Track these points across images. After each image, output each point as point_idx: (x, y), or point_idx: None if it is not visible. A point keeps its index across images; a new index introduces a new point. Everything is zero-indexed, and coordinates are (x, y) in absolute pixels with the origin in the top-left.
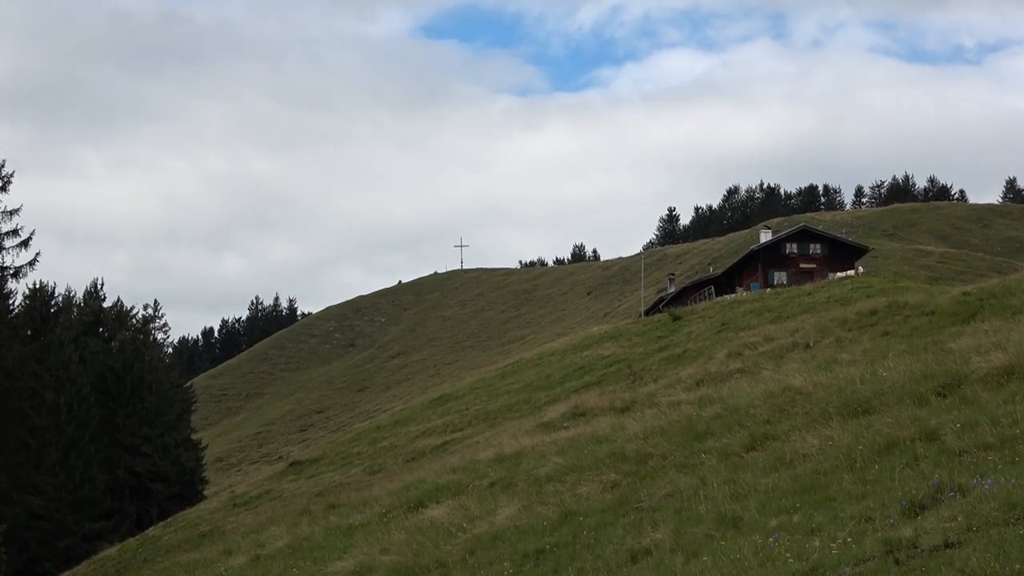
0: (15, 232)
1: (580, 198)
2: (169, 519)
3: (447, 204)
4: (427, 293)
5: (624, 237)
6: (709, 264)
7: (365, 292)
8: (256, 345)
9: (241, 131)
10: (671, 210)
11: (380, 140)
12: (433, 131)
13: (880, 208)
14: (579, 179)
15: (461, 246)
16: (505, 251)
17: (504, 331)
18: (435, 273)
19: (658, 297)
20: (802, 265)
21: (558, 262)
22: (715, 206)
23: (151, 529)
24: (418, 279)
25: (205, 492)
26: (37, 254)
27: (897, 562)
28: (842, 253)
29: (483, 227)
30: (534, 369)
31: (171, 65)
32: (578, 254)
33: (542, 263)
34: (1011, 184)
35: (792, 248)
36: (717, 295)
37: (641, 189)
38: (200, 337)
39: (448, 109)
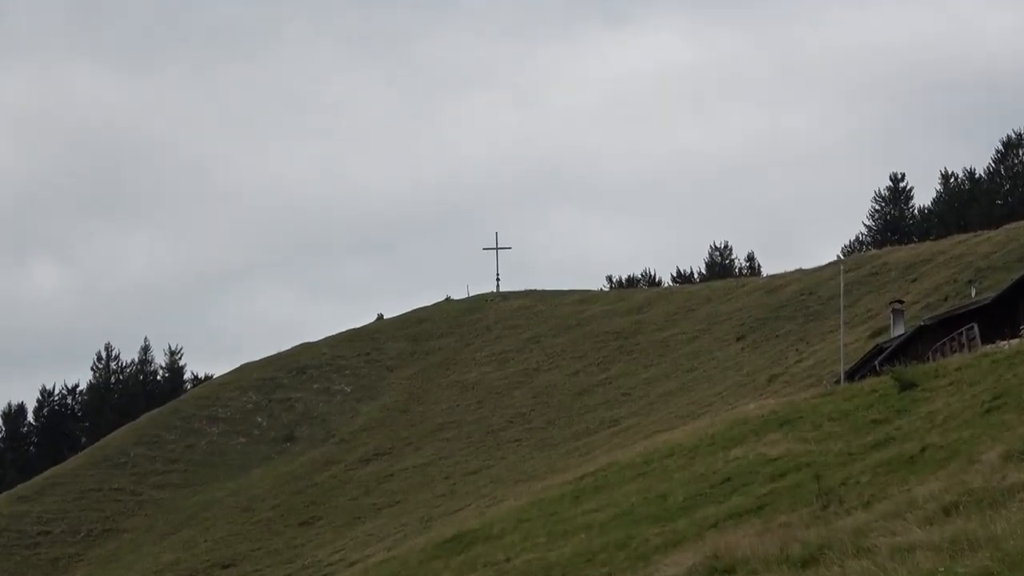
0: None
1: (713, 153)
2: None
3: (460, 167)
4: (431, 338)
5: (803, 232)
6: (970, 282)
7: (312, 336)
8: (107, 438)
9: (64, 29)
10: (896, 179)
11: (328, 45)
12: (428, 28)
13: None
14: (709, 117)
15: (496, 248)
16: (576, 257)
17: (579, 410)
18: (447, 300)
19: (872, 347)
20: None
21: (680, 278)
22: (980, 172)
23: None
24: (414, 312)
25: None
26: None
27: None
28: None
29: (532, 210)
30: (636, 483)
31: None
32: (718, 263)
33: (649, 280)
34: None
35: None
36: (984, 341)
37: (832, 136)
38: None
39: None
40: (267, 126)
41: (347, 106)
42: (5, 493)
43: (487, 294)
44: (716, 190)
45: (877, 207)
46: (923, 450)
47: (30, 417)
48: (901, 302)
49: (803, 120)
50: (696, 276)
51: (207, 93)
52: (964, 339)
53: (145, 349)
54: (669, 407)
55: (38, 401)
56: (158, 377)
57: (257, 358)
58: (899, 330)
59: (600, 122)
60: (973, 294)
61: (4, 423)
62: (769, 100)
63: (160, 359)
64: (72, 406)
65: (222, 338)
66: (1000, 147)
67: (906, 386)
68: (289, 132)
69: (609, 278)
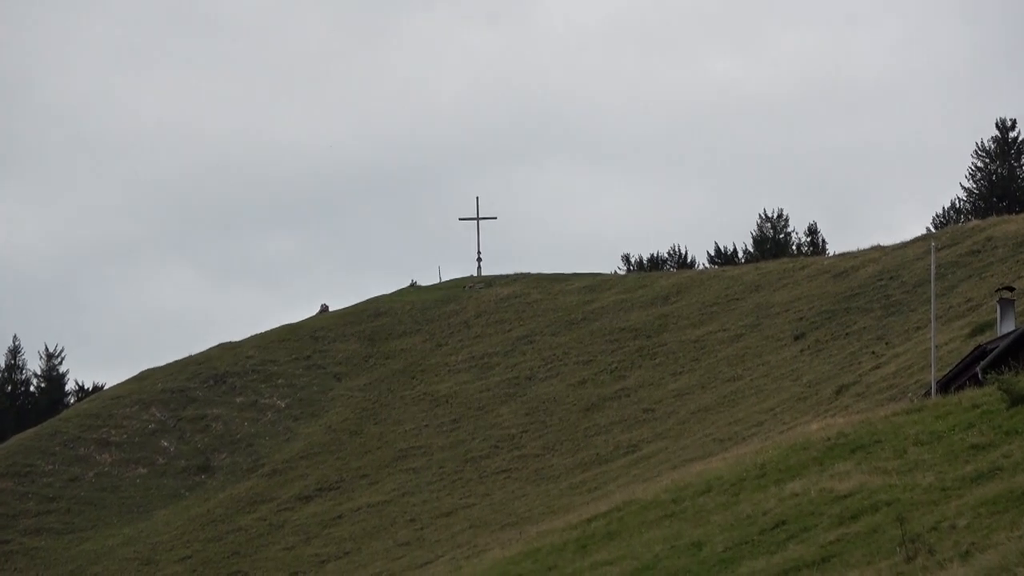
0: None
1: (758, 90)
2: None
3: (423, 110)
4: (391, 338)
5: (881, 196)
6: None
7: (234, 335)
8: None
9: None
10: (1004, 127)
11: None
12: None
13: None
14: (751, 43)
15: (476, 218)
16: (582, 230)
17: (587, 431)
18: (412, 288)
19: (973, 348)
20: None
21: (719, 258)
22: None
23: None
24: (368, 302)
25: None
26: None
27: None
28: None
29: (522, 168)
30: (661, 527)
31: None
32: (769, 238)
33: (679, 261)
34: None
35: None
36: None
37: (914, 68)
38: None
39: None
40: (158, 55)
41: (264, 26)
42: None
43: (465, 279)
44: (764, 140)
45: (979, 164)
46: None
47: None
48: (1011, 289)
49: (874, 45)
50: (741, 255)
51: (76, 14)
52: None
53: (13, 351)
54: (705, 428)
55: None
56: (31, 388)
57: (161, 363)
58: (1008, 326)
59: (609, 49)
60: None
61: None
62: (828, 19)
63: (34, 364)
64: None
65: (114, 336)
66: None
67: (1018, 400)
68: (189, 63)
69: (626, 258)
